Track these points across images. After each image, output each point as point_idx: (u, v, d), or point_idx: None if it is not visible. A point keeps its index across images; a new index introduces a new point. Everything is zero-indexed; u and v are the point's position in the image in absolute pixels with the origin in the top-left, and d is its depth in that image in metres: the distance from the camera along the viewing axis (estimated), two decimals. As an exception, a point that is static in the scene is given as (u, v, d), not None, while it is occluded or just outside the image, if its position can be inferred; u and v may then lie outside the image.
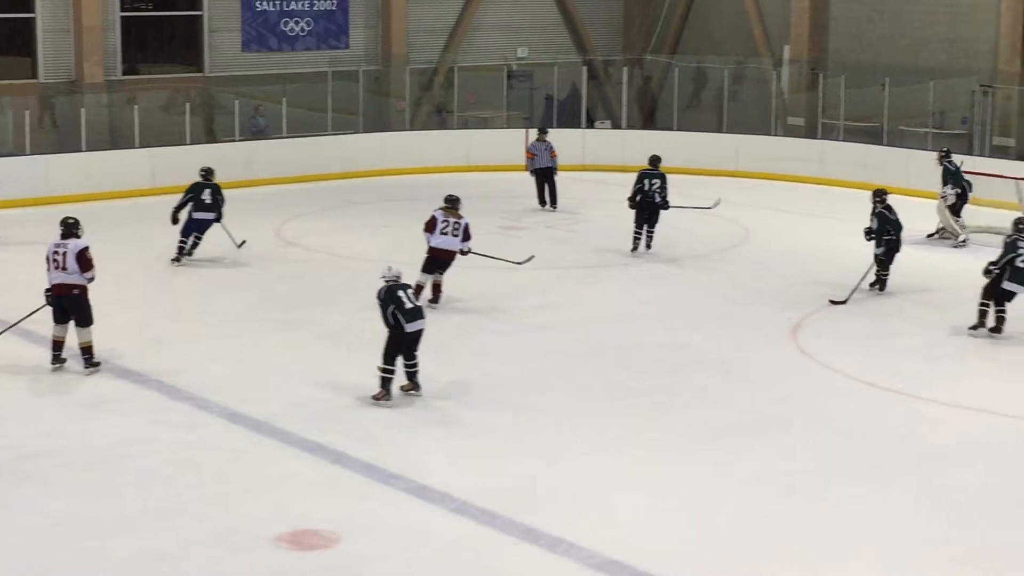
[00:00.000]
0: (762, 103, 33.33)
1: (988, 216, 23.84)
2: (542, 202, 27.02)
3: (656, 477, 13.00)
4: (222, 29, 31.44)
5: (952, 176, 23.52)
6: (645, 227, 22.58)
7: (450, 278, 19.28)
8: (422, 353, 14.92)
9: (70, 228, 15.84)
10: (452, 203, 19.04)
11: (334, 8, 32.56)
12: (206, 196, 21.49)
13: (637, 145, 31.23)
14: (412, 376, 15.03)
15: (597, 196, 28.41)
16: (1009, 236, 18.30)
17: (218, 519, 11.91)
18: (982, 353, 17.21)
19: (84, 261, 15.60)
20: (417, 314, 14.84)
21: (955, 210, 23.60)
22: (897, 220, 20.17)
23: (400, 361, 14.85)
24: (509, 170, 29.45)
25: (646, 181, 22.66)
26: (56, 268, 15.67)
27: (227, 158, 27.94)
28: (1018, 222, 18.47)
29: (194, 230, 21.53)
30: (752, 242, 23.68)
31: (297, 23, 32.13)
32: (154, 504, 12.17)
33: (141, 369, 16.03)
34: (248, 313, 18.86)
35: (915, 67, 30.29)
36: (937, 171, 23.89)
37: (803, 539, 11.67)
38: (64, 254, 15.63)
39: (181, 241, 21.52)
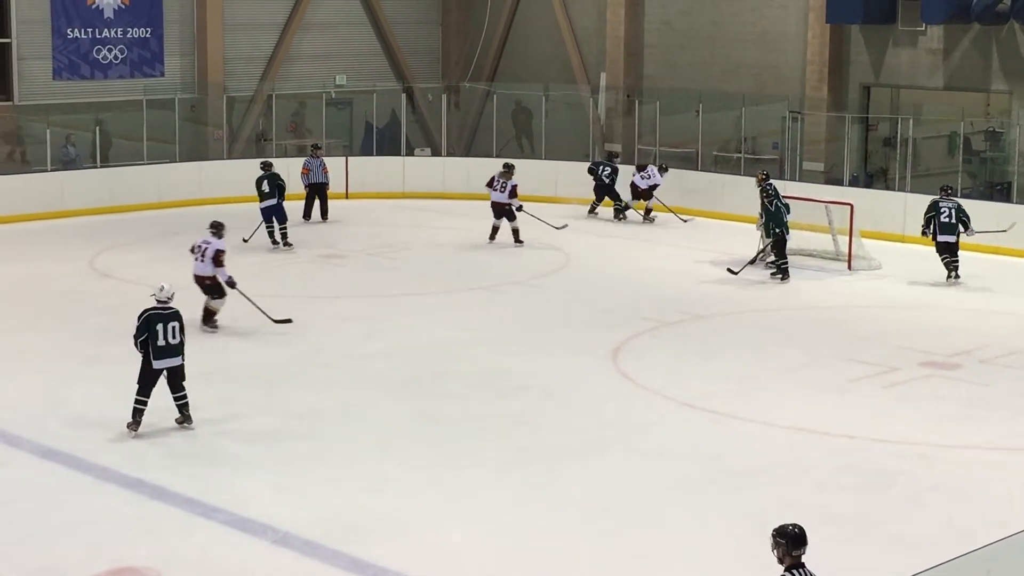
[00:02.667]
0: (580, 129, 33.76)
1: (800, 239, 24.46)
2: (307, 215, 27.95)
3: (477, 503, 13.03)
4: (32, 57, 30.73)
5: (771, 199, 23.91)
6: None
7: (267, 308, 19.12)
8: (254, 383, 14.73)
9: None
10: (508, 168, 24.71)
11: (148, 36, 32.05)
12: (265, 187, 24.92)
13: (457, 172, 31.42)
14: (181, 409, 14.73)
15: (418, 223, 28.45)
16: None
17: (31, 560, 11.59)
18: (796, 374, 17.63)
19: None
20: (169, 352, 14.43)
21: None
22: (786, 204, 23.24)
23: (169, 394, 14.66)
24: (331, 198, 29.27)
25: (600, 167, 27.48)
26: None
27: (38, 188, 27.31)
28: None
29: (264, 219, 25.00)
30: (573, 267, 23.94)
31: (110, 51, 31.56)
32: (-36, 546, 11.81)
33: (-50, 407, 15.57)
34: (62, 347, 18.43)
35: (727, 93, 30.98)
36: (754, 194, 24.39)
37: (618, 560, 11.79)
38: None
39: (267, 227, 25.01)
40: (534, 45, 35.55)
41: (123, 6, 31.48)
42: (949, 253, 22.92)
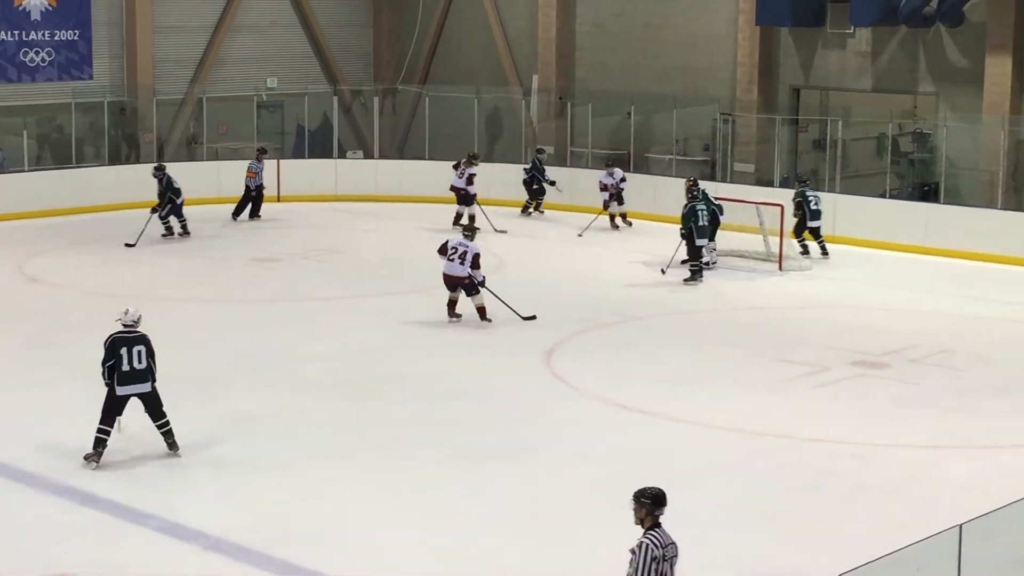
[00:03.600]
0: (512, 132, 33.80)
1: (731, 240, 24.63)
2: (236, 214, 28.44)
3: (413, 506, 13.01)
4: (-44, 60, 30.39)
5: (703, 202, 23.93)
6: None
7: (201, 314, 18.99)
8: (187, 388, 14.59)
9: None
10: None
11: (76, 38, 31.73)
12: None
13: (389, 175, 31.35)
14: (166, 436, 14.05)
15: (350, 226, 28.36)
16: (797, 192, 24.84)
17: (-39, 569, 11.47)
18: (730, 375, 17.74)
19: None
20: (135, 378, 13.68)
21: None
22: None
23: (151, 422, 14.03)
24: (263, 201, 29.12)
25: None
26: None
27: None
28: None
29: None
30: (506, 270, 23.94)
31: (37, 53, 31.20)
32: None
33: None
34: (-10, 353, 18.23)
35: (659, 95, 31.12)
36: (681, 198, 24.47)
37: (555, 561, 11.82)
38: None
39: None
40: (466, 48, 35.56)
41: (50, 8, 31.14)
42: (818, 235, 25.12)
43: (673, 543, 9.14)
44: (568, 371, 17.66)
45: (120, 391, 13.72)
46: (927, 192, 28.35)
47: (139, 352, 13.72)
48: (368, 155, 34.42)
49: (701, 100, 30.79)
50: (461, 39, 35.68)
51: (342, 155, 33.75)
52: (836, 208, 26.85)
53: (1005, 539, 9.75)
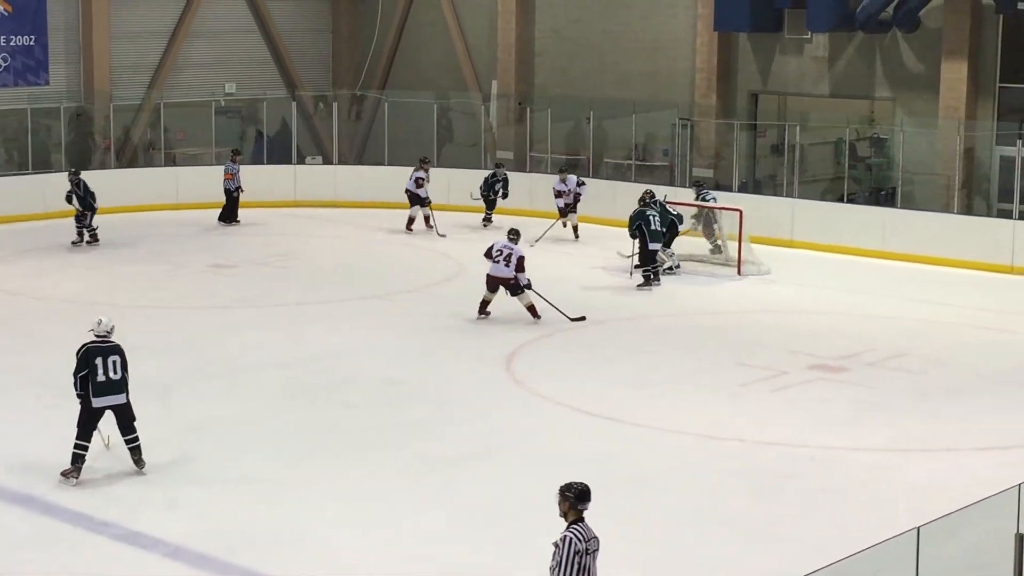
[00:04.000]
0: (472, 137, 33.81)
1: (691, 245, 24.70)
2: (224, 218, 28.64)
3: (373, 512, 12.99)
4: (-90, 65, 30.16)
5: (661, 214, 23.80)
6: None
7: (158, 321, 18.91)
8: (145, 395, 14.47)
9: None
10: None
11: (32, 44, 31.49)
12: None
13: (348, 181, 31.31)
14: (133, 452, 13.66)
15: (309, 232, 28.29)
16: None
17: (-83, 578, 11.37)
18: (689, 379, 17.79)
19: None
20: (110, 388, 13.40)
21: (666, 242, 24.13)
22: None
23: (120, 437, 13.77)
24: (218, 207, 29.03)
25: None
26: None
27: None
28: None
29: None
30: (466, 276, 23.93)
31: (-7, 59, 31.01)
32: None
33: None
34: (-54, 361, 18.09)
35: (618, 101, 31.19)
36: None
37: (515, 566, 11.82)
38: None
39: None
40: (426, 53, 35.53)
41: (6, 13, 30.90)
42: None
43: (595, 537, 9.32)
44: (528, 376, 17.68)
45: (96, 402, 13.43)
46: (884, 197, 28.53)
47: (114, 362, 13.46)
48: (327, 161, 34.36)
49: (660, 105, 30.88)
50: (420, 44, 35.65)
51: (301, 161, 33.66)
52: (794, 212, 27.00)
53: (963, 541, 9.81)
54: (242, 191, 28.75)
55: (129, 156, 32.77)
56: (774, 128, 30.35)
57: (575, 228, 27.67)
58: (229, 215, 28.69)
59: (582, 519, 9.35)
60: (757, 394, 17.06)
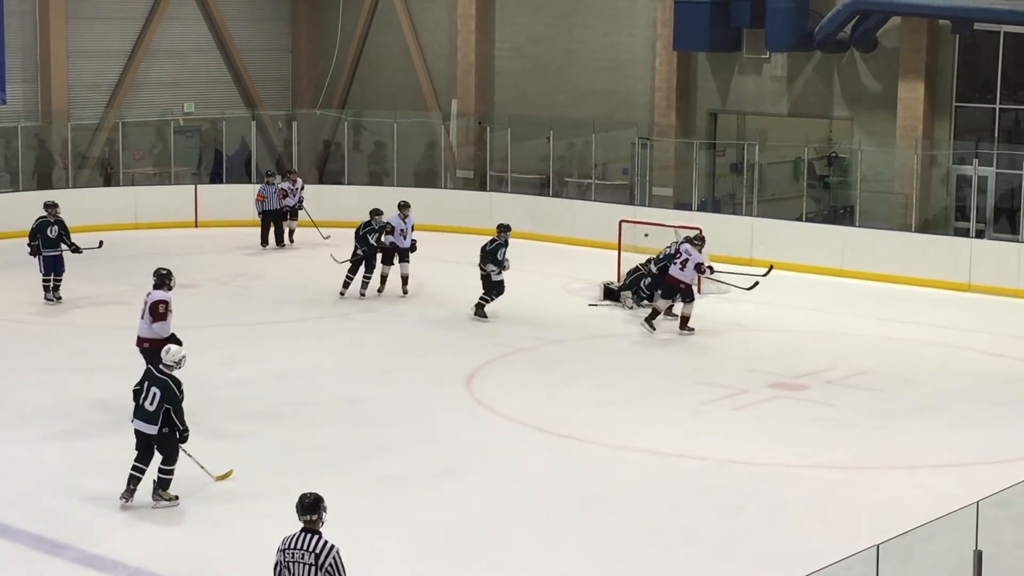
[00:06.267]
0: (432, 156, 33.79)
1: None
2: (264, 242, 28.16)
3: (330, 532, 12.81)
4: None
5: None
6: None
7: (118, 340, 18.78)
8: (103, 415, 14.35)
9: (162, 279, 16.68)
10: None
11: (-11, 62, 31.33)
12: (51, 232, 22.43)
13: (308, 199, 31.14)
14: (155, 482, 13.45)
15: (270, 251, 28.17)
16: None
17: None
18: (650, 398, 17.80)
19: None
20: (140, 415, 13.36)
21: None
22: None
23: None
24: (178, 227, 28.95)
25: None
26: None
27: None
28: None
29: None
30: (425, 294, 23.89)
31: (-51, 78, 30.78)
32: None
33: None
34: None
35: (578, 120, 31.26)
36: (606, 221, 24.55)
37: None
38: None
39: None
40: (385, 72, 35.51)
41: (-38, 32, 30.74)
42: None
43: (308, 550, 9.29)
44: (489, 395, 17.65)
45: (133, 422, 13.48)
46: (843, 215, 28.70)
47: (153, 394, 13.33)
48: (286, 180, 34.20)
49: (620, 124, 30.96)
50: (380, 63, 35.64)
51: (260, 180, 33.51)
52: (753, 231, 27.10)
53: (923, 558, 9.84)
54: (285, 211, 28.46)
55: (87, 176, 32.58)
56: (733, 147, 30.49)
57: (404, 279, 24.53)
58: (267, 235, 28.47)
59: (307, 530, 9.43)
60: (718, 412, 17.09)
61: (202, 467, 14.02)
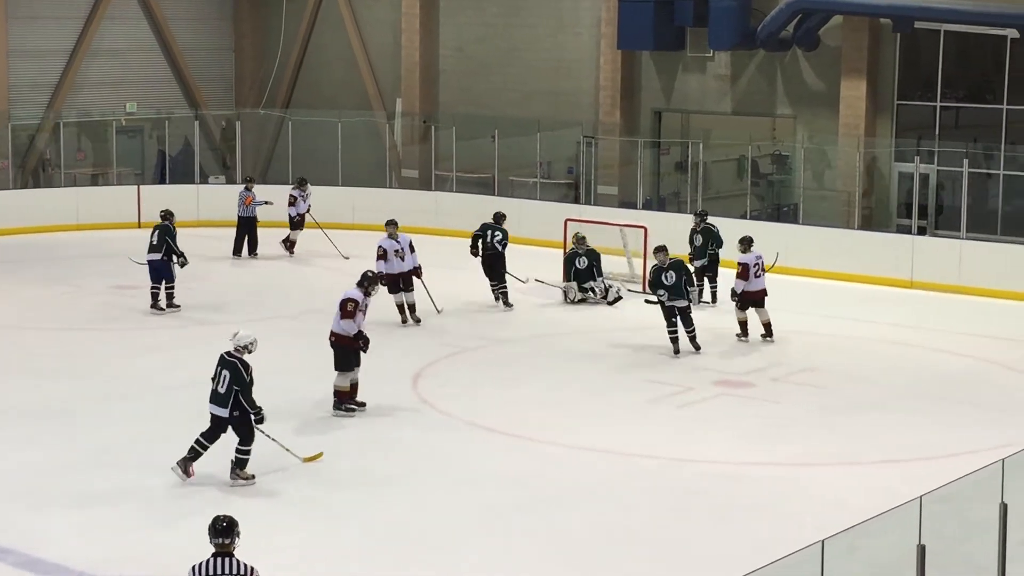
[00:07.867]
0: (377, 156, 33.71)
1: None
2: (237, 251, 27.58)
3: (276, 536, 12.84)
4: None
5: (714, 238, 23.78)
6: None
7: (63, 343, 18.63)
8: (49, 416, 14.23)
9: None
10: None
11: (-73, 62, 30.99)
12: (154, 237, 21.99)
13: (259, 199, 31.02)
14: (233, 462, 14.01)
15: (212, 252, 27.98)
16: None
17: None
18: (597, 397, 17.83)
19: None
20: (213, 398, 13.91)
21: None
22: (720, 237, 23.25)
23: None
24: (120, 227, 28.70)
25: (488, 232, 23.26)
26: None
27: None
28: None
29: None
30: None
31: None
32: None
33: None
34: None
35: (522, 119, 31.28)
36: (550, 219, 24.57)
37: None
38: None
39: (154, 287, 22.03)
40: (329, 71, 35.40)
41: (-100, 32, 30.39)
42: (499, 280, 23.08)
43: (229, 575, 9.15)
44: (435, 396, 17.62)
45: (209, 407, 13.95)
46: (786, 213, 28.87)
47: (224, 376, 13.82)
48: (230, 180, 34.06)
49: (564, 123, 31.02)
50: (324, 63, 35.52)
51: (204, 180, 33.37)
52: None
53: (867, 553, 9.92)
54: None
55: (27, 176, 32.28)
56: (677, 145, 30.61)
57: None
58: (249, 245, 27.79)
59: (220, 554, 9.25)
60: (665, 410, 17.15)
61: (287, 449, 14.34)
